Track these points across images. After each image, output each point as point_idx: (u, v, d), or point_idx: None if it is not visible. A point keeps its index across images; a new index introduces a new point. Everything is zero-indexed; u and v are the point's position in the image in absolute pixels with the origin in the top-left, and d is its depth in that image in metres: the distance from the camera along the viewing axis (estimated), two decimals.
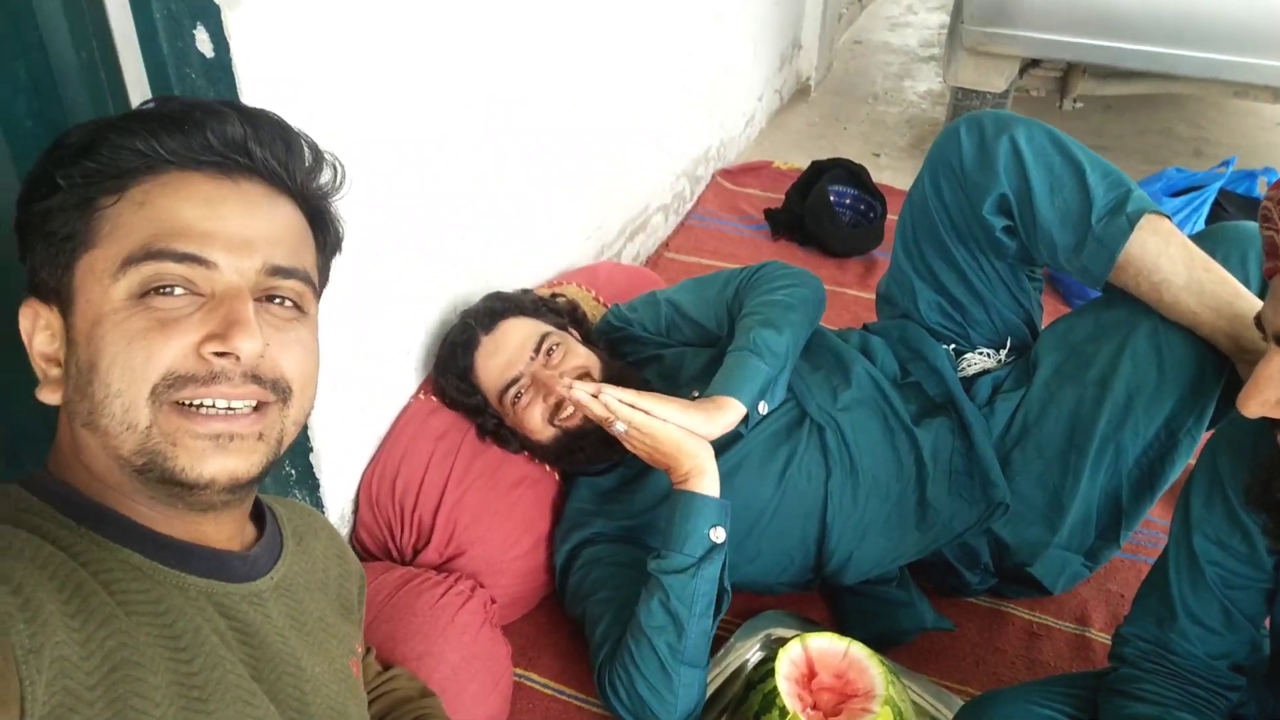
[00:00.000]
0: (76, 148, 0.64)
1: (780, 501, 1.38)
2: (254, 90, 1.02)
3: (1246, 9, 2.34)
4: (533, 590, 1.46)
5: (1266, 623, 0.98)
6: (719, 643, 1.39)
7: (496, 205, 1.65)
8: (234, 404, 0.64)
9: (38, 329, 0.66)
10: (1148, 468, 1.33)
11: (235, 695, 0.64)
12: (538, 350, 1.40)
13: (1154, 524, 1.61)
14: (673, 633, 1.19)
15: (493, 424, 1.45)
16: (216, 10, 0.96)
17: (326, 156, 0.74)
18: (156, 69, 0.99)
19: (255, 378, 0.65)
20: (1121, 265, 1.27)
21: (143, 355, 0.61)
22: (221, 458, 0.64)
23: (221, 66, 0.99)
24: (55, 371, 0.66)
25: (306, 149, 0.72)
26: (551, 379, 1.37)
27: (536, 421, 1.39)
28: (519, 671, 1.38)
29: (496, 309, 1.47)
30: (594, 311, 1.72)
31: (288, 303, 0.69)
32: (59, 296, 0.65)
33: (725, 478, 1.29)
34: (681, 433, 1.24)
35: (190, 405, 0.63)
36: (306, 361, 0.70)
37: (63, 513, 0.63)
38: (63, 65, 0.98)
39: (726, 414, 1.29)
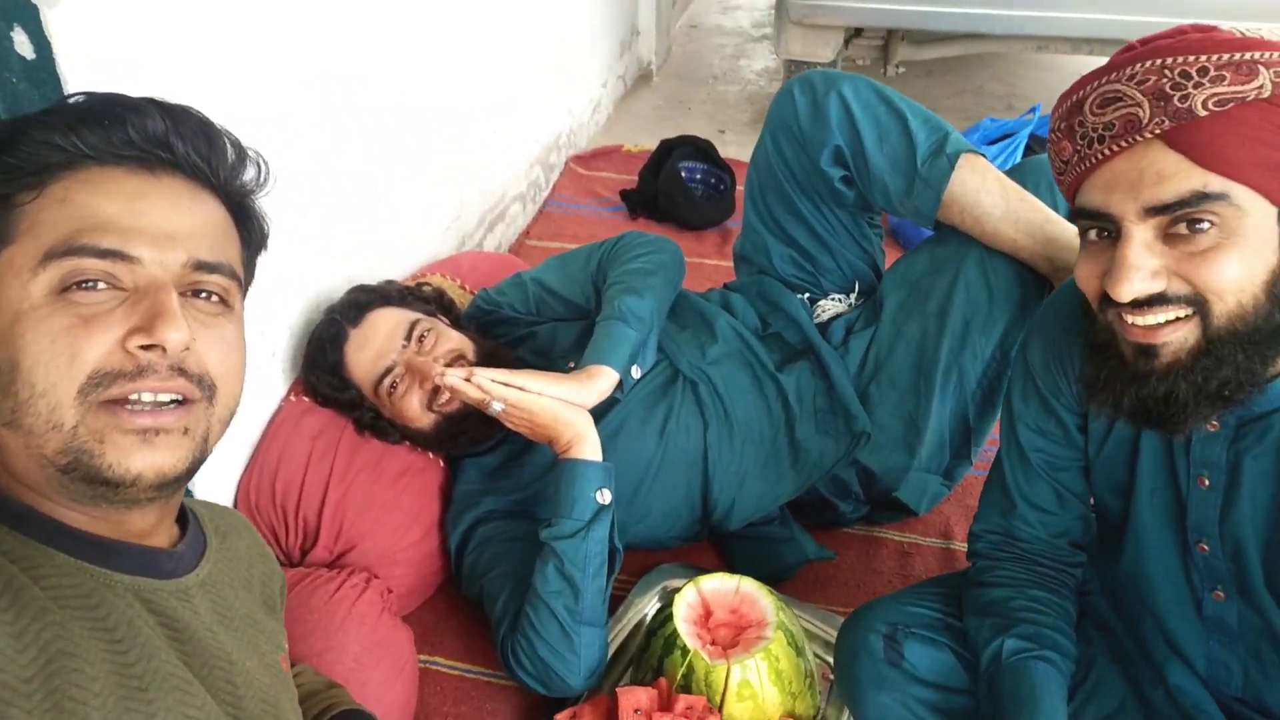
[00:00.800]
0: None
1: (663, 458, 1.44)
2: (80, 90, 0.99)
3: None
4: (429, 577, 1.46)
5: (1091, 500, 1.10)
6: (617, 601, 1.44)
7: (350, 198, 1.64)
8: (160, 397, 0.63)
9: None
10: (988, 387, 1.45)
11: (173, 684, 0.64)
12: (408, 338, 1.40)
13: (998, 440, 1.74)
14: (570, 595, 1.23)
15: (370, 417, 1.44)
16: (34, 10, 0.93)
17: (250, 153, 0.74)
18: None
19: (181, 371, 0.64)
20: (946, 203, 1.38)
21: (67, 354, 0.60)
22: (149, 453, 0.63)
23: (44, 68, 0.96)
24: None
25: (229, 145, 0.71)
26: (426, 365, 1.37)
27: (415, 409, 1.39)
28: (424, 657, 1.38)
29: (361, 300, 1.46)
30: (461, 299, 1.72)
31: (214, 298, 0.69)
32: None
33: (607, 441, 1.34)
34: (557, 404, 1.28)
35: (117, 402, 0.62)
36: (231, 357, 0.70)
37: None
38: None
39: (599, 381, 1.34)
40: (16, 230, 0.63)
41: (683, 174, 2.64)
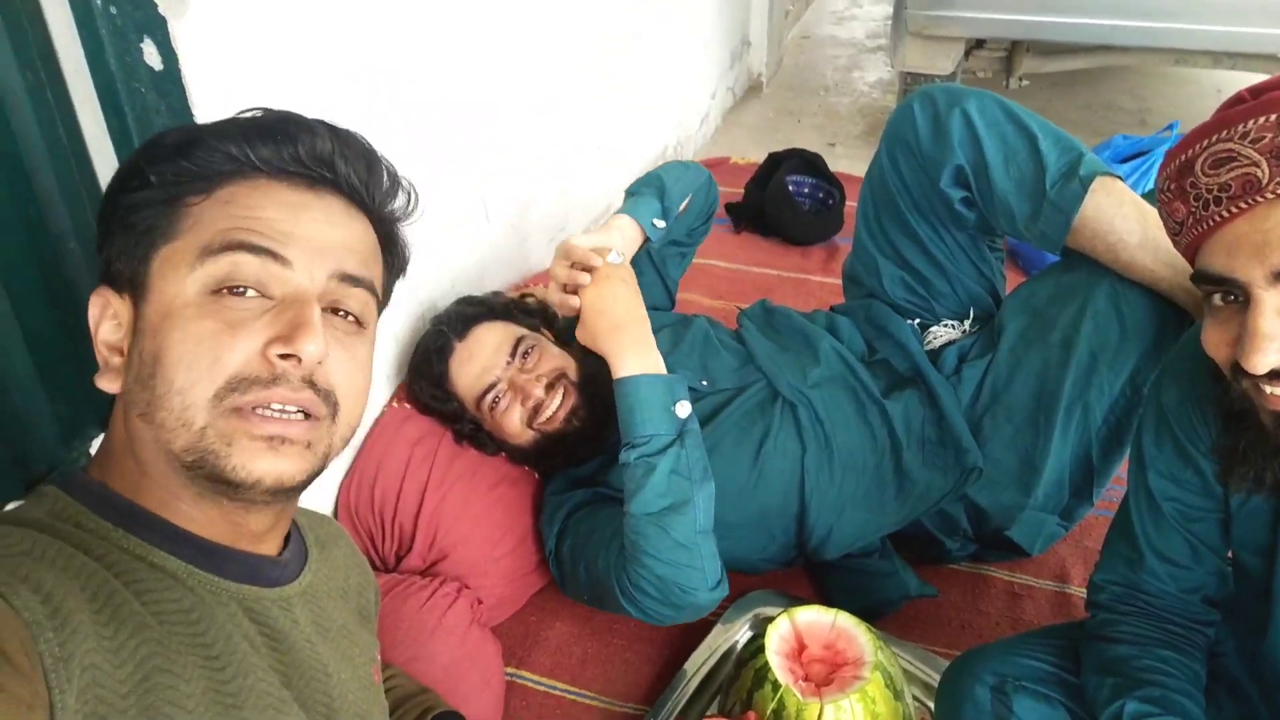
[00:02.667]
0: (172, 147, 0.66)
1: (758, 479, 1.40)
2: (205, 101, 1.03)
3: None
4: (520, 588, 1.46)
5: (1230, 555, 1.01)
6: (707, 626, 1.40)
7: (459, 209, 1.66)
8: (288, 408, 0.65)
9: (105, 317, 0.67)
10: (1115, 425, 1.35)
11: (266, 702, 0.64)
12: (513, 354, 1.40)
13: (1123, 480, 1.63)
14: (678, 507, 1.19)
15: (470, 429, 1.45)
16: (163, 22, 0.96)
17: (403, 182, 0.76)
18: (105, 86, 0.99)
19: (311, 384, 0.66)
20: (1078, 228, 1.29)
21: (210, 358, 0.62)
22: (273, 459, 0.64)
23: (171, 78, 0.99)
24: (117, 360, 0.67)
25: (385, 172, 0.74)
26: (529, 384, 1.37)
27: (515, 426, 1.39)
28: (511, 670, 1.38)
29: (469, 314, 1.46)
30: None
31: (350, 317, 0.71)
32: (133, 286, 0.66)
33: (709, 450, 1.32)
34: (591, 295, 1.29)
35: (248, 409, 0.63)
36: (357, 377, 0.71)
37: (100, 515, 0.64)
38: (7, 88, 0.97)
39: (613, 225, 1.41)
40: (180, 228, 0.65)
41: (790, 187, 2.58)
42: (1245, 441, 0.80)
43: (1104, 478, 1.39)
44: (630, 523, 1.20)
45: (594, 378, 1.40)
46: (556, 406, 1.37)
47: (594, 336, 1.28)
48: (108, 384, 0.67)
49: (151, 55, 0.98)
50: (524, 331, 1.44)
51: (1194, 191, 0.75)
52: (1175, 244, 0.81)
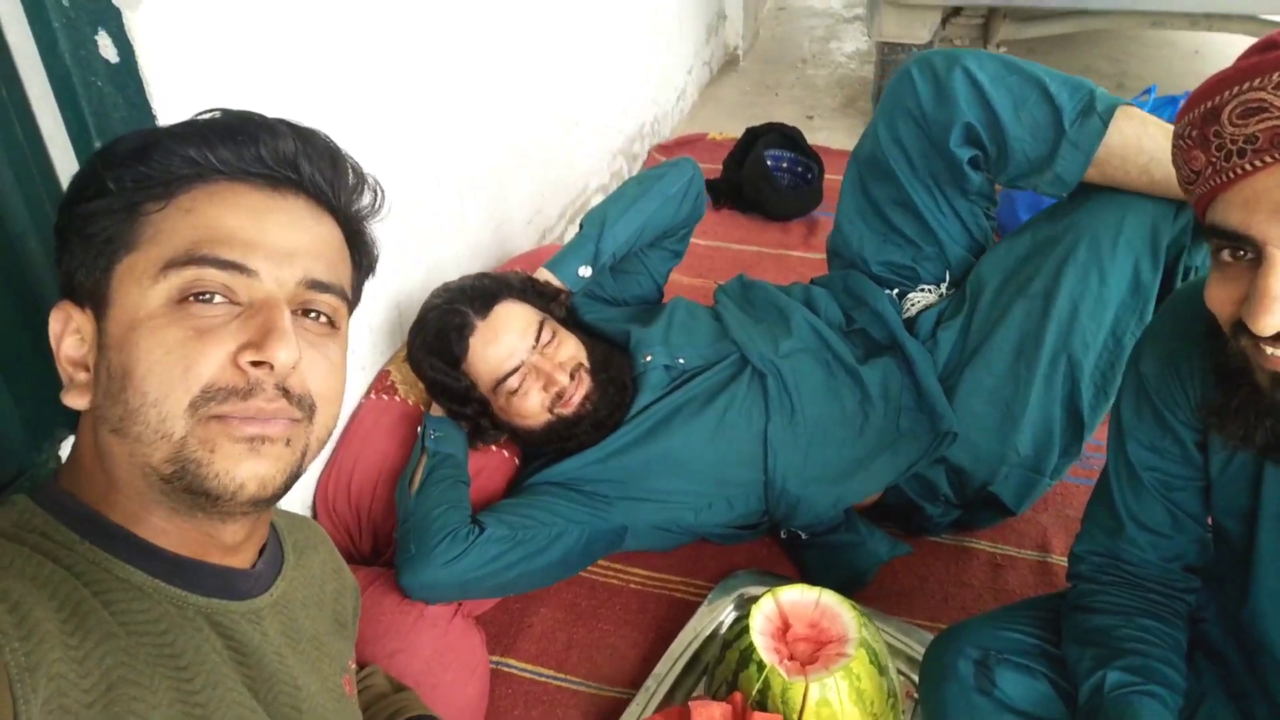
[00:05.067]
0: (128, 153, 0.64)
1: (717, 448, 1.41)
2: (163, 94, 1.00)
3: None
4: None
5: (1209, 521, 1.01)
6: (691, 606, 1.41)
7: (430, 194, 1.64)
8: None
9: (67, 332, 0.65)
10: (1101, 377, 1.36)
11: (236, 714, 0.64)
12: (537, 338, 1.38)
13: (1103, 448, 1.64)
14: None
15: (474, 409, 1.41)
16: (117, 13, 0.93)
17: (368, 179, 0.74)
18: (61, 80, 0.97)
19: (285, 391, 0.65)
20: (1102, 159, 1.28)
21: (181, 366, 0.61)
22: (255, 462, 0.63)
23: (128, 71, 0.97)
24: (83, 376, 0.65)
25: (351, 170, 0.72)
26: (554, 369, 1.36)
27: (534, 408, 1.37)
28: (496, 658, 1.37)
29: (490, 289, 1.42)
30: None
31: (322, 318, 0.70)
32: (94, 299, 0.64)
33: (663, 422, 1.38)
34: None
35: (225, 417, 0.63)
36: (332, 378, 0.70)
37: (66, 525, 0.63)
38: None
39: (545, 275, 1.52)
40: (140, 238, 0.63)
41: (769, 162, 2.57)
42: (1239, 399, 0.78)
43: (1090, 430, 1.40)
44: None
45: (605, 363, 1.40)
46: (576, 392, 1.37)
47: None
48: (74, 400, 0.65)
49: (107, 47, 0.96)
50: (544, 315, 1.43)
51: (1217, 141, 0.72)
52: (1186, 194, 0.78)
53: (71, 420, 1.05)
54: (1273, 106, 0.68)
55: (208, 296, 0.63)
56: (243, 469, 0.63)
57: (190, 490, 0.62)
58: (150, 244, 0.63)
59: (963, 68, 1.32)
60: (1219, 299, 0.76)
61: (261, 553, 0.75)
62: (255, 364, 0.62)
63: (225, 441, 0.62)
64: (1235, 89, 0.71)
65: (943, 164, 1.39)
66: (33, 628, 0.53)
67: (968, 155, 1.37)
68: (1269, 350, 0.73)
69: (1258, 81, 0.69)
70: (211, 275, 0.63)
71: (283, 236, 0.66)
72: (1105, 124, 1.26)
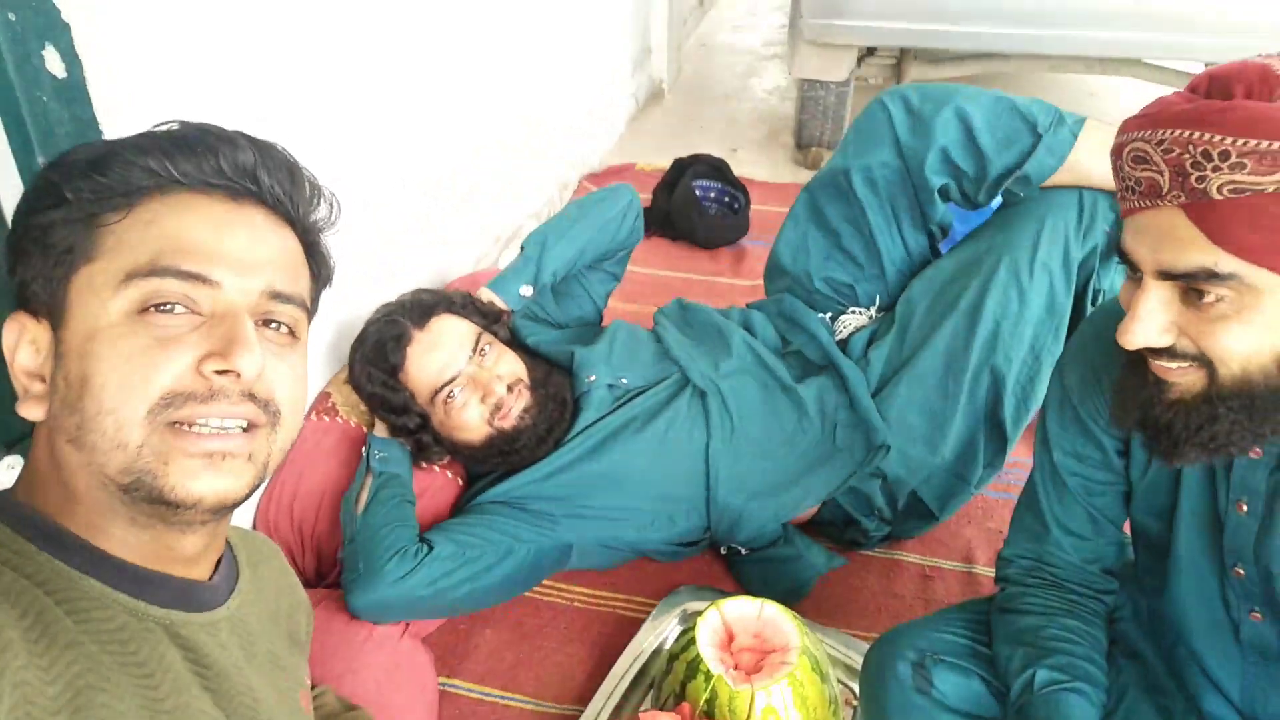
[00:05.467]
0: (86, 163, 0.64)
1: (660, 466, 1.44)
2: (110, 109, 1.00)
3: None
4: None
5: (1126, 527, 1.09)
6: (636, 623, 1.43)
7: (375, 218, 1.64)
8: (227, 423, 0.64)
9: (22, 342, 0.64)
10: (1021, 391, 1.45)
11: None
12: (474, 350, 1.40)
13: (1022, 463, 1.73)
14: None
15: (416, 423, 1.41)
16: (67, 27, 0.93)
17: (324, 192, 0.75)
18: (4, 95, 0.95)
19: (251, 396, 0.65)
20: (1070, 166, 1.39)
21: (141, 374, 0.61)
22: (213, 477, 0.63)
23: (75, 86, 0.96)
24: (39, 387, 0.64)
25: (308, 183, 0.73)
26: (491, 381, 1.38)
27: (473, 420, 1.39)
28: (443, 679, 1.37)
29: (427, 302, 1.45)
30: None
31: (283, 328, 0.70)
32: (50, 310, 0.64)
33: (607, 439, 1.40)
34: None
35: (184, 425, 0.62)
36: (296, 387, 0.70)
37: (24, 537, 0.61)
38: None
39: (488, 295, 1.57)
40: (100, 248, 0.63)
41: (697, 192, 2.64)
42: (1132, 382, 0.86)
43: (1013, 442, 1.49)
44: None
45: (545, 380, 1.43)
46: (514, 406, 1.39)
47: None
48: (30, 411, 0.64)
49: (54, 63, 0.95)
50: (481, 329, 1.45)
51: (1119, 174, 0.80)
52: (1126, 210, 0.85)
53: (10, 436, 1.02)
54: (1152, 161, 0.76)
55: (169, 307, 0.63)
56: (199, 483, 0.63)
57: (149, 500, 0.62)
58: (111, 254, 0.63)
59: (940, 100, 1.41)
60: (1124, 300, 0.85)
61: (217, 566, 0.74)
62: (221, 373, 0.63)
63: (180, 456, 0.62)
64: (1134, 134, 0.78)
65: (909, 192, 1.47)
66: None
67: (939, 183, 1.45)
68: (1150, 359, 0.81)
69: (1145, 134, 0.77)
70: (173, 286, 0.63)
71: (244, 248, 0.67)
72: (1074, 136, 1.37)
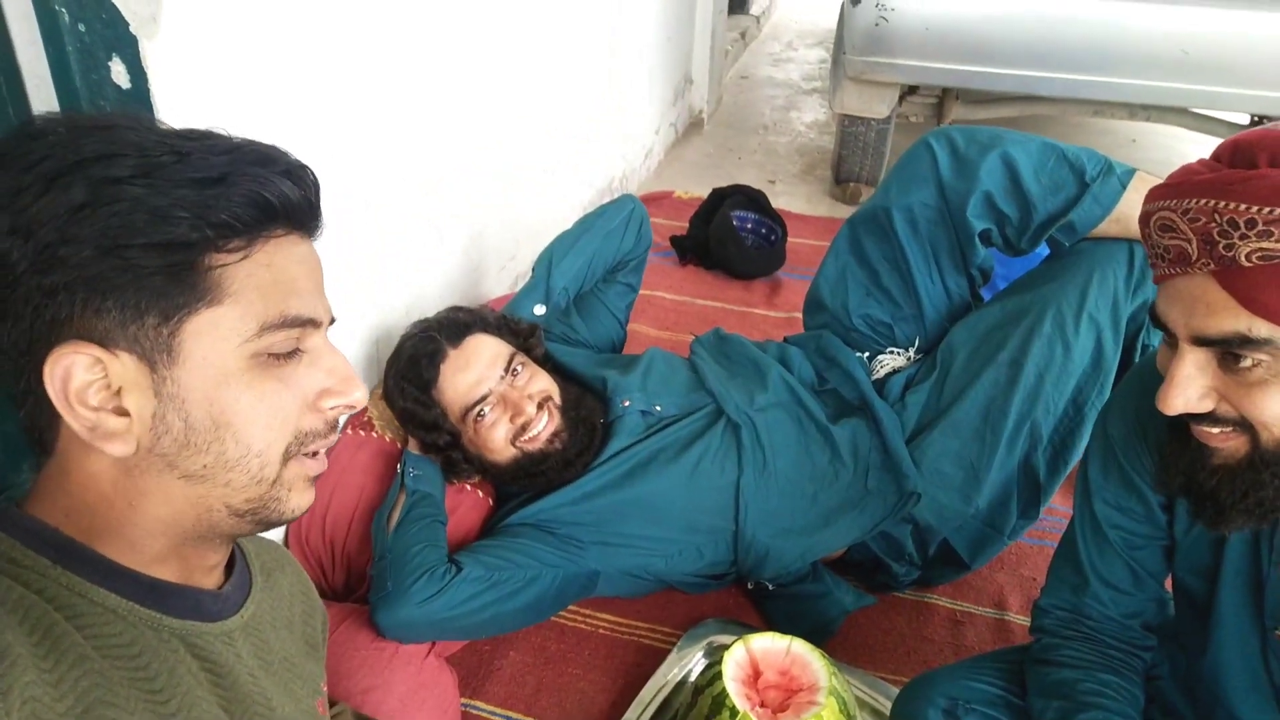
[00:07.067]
0: (205, 198, 0.60)
1: (690, 496, 1.43)
2: (172, 121, 1.01)
3: (1103, 33, 2.55)
4: None
5: (1169, 583, 1.06)
6: (661, 654, 1.42)
7: (411, 239, 1.66)
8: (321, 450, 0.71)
9: (93, 376, 0.60)
10: (1060, 443, 1.43)
11: None
12: (506, 369, 1.41)
13: (1058, 511, 1.71)
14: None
15: (446, 440, 1.42)
16: (134, 41, 0.95)
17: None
18: (69, 104, 0.98)
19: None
20: (1118, 217, 1.38)
21: (280, 418, 0.65)
22: (310, 493, 0.70)
23: (139, 97, 0.98)
24: (121, 423, 0.60)
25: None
26: (521, 400, 1.38)
27: (499, 441, 1.39)
28: (465, 700, 1.36)
29: (462, 321, 1.45)
30: None
31: None
32: (143, 346, 0.60)
33: (639, 468, 1.39)
34: None
35: (307, 455, 0.69)
36: None
37: (36, 551, 0.61)
38: None
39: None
40: (224, 292, 0.61)
41: (735, 222, 2.64)
42: (1176, 447, 0.86)
43: (1049, 495, 1.46)
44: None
45: (577, 403, 1.42)
46: (543, 426, 1.39)
47: None
48: (117, 447, 0.60)
49: (120, 74, 0.97)
50: (514, 349, 1.45)
51: (1149, 242, 0.81)
52: (1158, 277, 0.85)
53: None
54: (1179, 230, 0.76)
55: (291, 351, 0.66)
56: (304, 500, 0.70)
57: (259, 521, 0.67)
58: (237, 299, 0.62)
59: (987, 143, 1.40)
60: (1162, 365, 0.84)
61: (229, 576, 0.75)
62: (335, 407, 0.68)
63: (301, 482, 0.69)
64: (1161, 203, 0.79)
65: (950, 234, 1.46)
66: (4, 651, 0.52)
67: (981, 227, 1.43)
68: (1192, 425, 0.81)
69: (1172, 203, 0.77)
70: (297, 334, 0.66)
71: (318, 280, 0.69)
72: (1123, 186, 1.36)
